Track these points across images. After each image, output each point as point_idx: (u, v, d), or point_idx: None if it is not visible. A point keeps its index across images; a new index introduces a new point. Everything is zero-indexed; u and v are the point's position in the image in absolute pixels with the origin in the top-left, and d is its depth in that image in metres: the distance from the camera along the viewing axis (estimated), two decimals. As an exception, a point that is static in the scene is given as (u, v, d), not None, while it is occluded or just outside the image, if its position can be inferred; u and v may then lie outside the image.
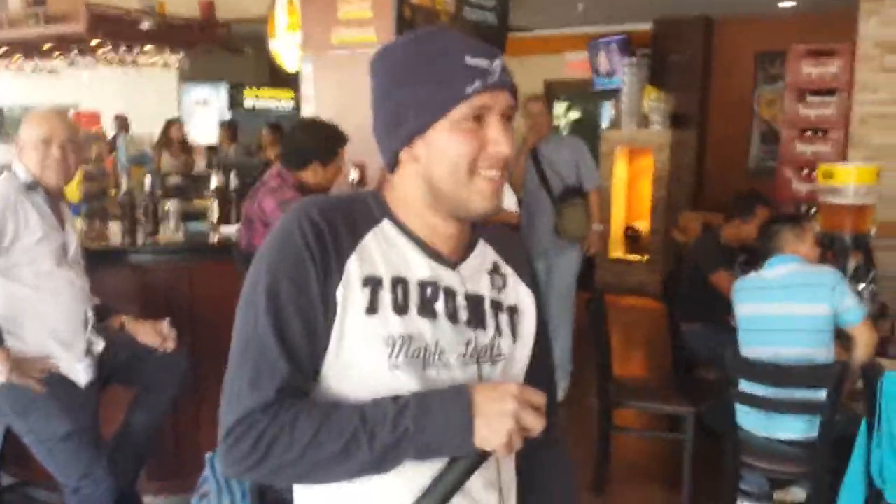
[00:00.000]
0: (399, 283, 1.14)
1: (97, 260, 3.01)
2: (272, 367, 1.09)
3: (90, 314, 2.68)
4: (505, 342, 1.22)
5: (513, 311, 1.25)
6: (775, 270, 3.11)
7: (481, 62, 1.11)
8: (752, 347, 3.07)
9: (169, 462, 3.34)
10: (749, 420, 3.00)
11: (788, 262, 3.09)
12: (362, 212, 1.18)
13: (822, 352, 2.95)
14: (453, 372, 1.14)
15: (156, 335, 2.77)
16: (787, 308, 3.02)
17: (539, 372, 1.29)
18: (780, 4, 7.81)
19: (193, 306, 3.36)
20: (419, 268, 1.16)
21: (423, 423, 1.05)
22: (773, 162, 7.66)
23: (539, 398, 1.07)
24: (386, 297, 1.12)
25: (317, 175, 3.24)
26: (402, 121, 1.13)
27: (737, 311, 3.20)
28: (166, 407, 2.86)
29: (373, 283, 1.12)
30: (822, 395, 2.79)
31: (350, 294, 1.11)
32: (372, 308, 1.11)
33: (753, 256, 3.73)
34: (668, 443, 4.10)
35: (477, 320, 1.19)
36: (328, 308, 1.10)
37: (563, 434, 1.38)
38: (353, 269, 1.12)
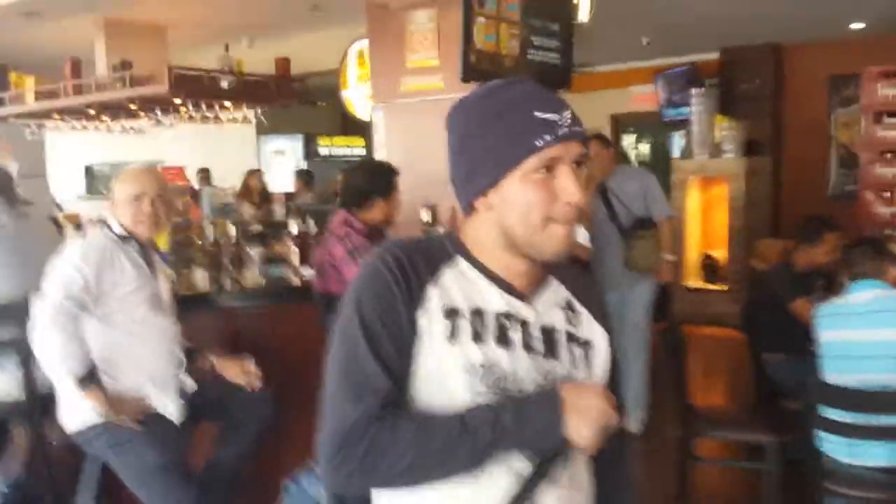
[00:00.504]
0: (477, 313, 1.21)
1: (187, 305, 3.16)
2: (374, 383, 1.16)
3: (181, 356, 2.83)
4: (579, 374, 1.27)
5: (587, 346, 1.30)
6: (860, 296, 3.05)
7: (551, 115, 1.17)
8: (835, 374, 3.00)
9: (251, 496, 3.42)
10: (833, 447, 2.91)
11: (873, 287, 3.03)
12: (438, 250, 1.26)
13: (909, 377, 2.86)
14: None
15: (242, 373, 2.90)
16: (872, 334, 2.96)
17: None
18: (851, 26, 7.67)
19: (277, 346, 3.46)
20: (495, 301, 1.23)
21: (521, 420, 1.13)
22: (854, 186, 7.45)
23: (613, 399, 1.17)
24: (465, 326, 1.19)
25: (381, 210, 3.36)
26: (475, 173, 1.21)
27: (819, 336, 3.14)
28: (251, 443, 2.94)
29: (452, 314, 1.20)
30: (909, 420, 2.71)
31: (431, 322, 1.19)
32: (452, 336, 1.19)
33: (831, 281, 3.64)
34: (750, 473, 3.98)
35: (552, 351, 1.25)
36: (414, 332, 1.18)
37: (638, 464, 1.43)
38: (434, 299, 1.20)
